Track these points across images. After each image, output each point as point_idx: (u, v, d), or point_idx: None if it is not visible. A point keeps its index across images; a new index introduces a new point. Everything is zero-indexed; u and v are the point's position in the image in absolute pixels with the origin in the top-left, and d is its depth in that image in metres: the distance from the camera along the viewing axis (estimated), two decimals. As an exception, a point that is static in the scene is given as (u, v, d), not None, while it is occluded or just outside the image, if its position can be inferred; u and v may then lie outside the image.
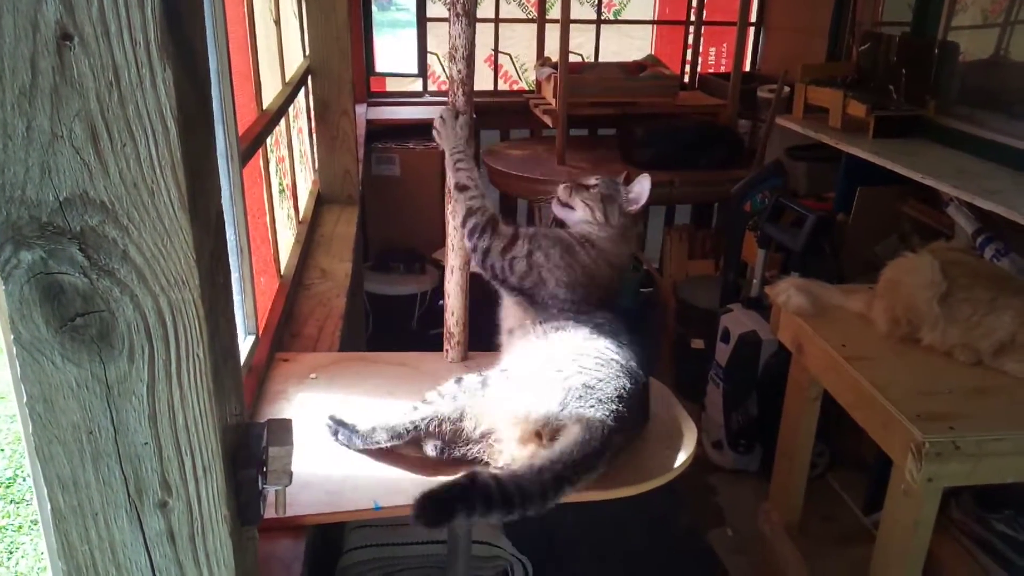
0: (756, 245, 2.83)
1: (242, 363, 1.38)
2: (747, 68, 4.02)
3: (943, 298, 1.84)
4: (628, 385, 1.23)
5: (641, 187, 1.49)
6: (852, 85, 2.96)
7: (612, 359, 1.26)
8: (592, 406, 1.16)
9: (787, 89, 3.31)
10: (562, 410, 1.15)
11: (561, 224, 1.51)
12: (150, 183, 0.63)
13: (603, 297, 1.42)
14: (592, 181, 1.51)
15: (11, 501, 2.93)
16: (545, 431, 1.16)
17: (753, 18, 4.04)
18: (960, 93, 2.75)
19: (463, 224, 1.41)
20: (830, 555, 2.32)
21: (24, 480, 3.02)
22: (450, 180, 1.44)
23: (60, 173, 0.63)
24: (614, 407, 1.18)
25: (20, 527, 2.81)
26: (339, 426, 1.26)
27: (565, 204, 1.49)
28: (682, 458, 1.27)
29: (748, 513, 2.55)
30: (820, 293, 2.11)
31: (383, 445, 1.22)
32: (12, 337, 0.67)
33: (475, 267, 1.45)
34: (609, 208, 1.46)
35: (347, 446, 1.24)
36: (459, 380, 1.25)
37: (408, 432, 1.21)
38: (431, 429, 1.21)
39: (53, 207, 0.63)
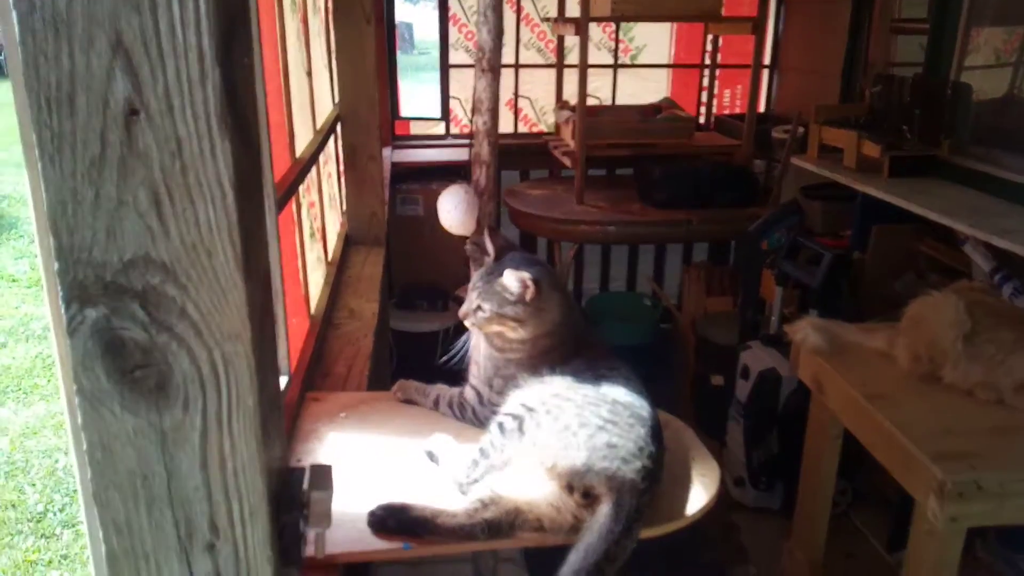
0: (774, 283, 2.85)
1: (275, 405, 1.43)
2: (761, 109, 4.07)
3: (967, 337, 1.86)
4: (643, 432, 1.27)
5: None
6: (866, 125, 3.00)
7: (616, 401, 1.30)
8: (618, 468, 1.20)
9: (801, 129, 3.36)
10: (588, 471, 1.19)
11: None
12: (208, 245, 0.68)
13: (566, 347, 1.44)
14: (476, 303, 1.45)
15: (42, 536, 2.97)
16: (577, 485, 1.20)
17: (767, 60, 4.10)
18: (974, 132, 2.78)
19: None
20: (854, 595, 2.31)
21: (55, 515, 3.07)
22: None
23: (124, 236, 0.68)
24: (639, 464, 1.22)
25: (51, 561, 2.84)
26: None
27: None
28: (703, 500, 1.29)
29: (771, 551, 2.54)
30: (838, 332, 2.13)
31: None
32: (75, 388, 0.71)
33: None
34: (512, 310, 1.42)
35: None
36: (501, 425, 1.30)
37: (486, 531, 1.21)
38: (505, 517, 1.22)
39: (117, 268, 0.68)
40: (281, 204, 1.55)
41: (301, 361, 1.68)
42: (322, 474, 0.80)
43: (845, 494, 2.69)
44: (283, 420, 0.85)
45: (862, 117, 3.08)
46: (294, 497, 0.80)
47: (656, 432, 1.31)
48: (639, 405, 1.32)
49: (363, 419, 1.51)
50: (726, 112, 4.37)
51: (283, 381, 1.49)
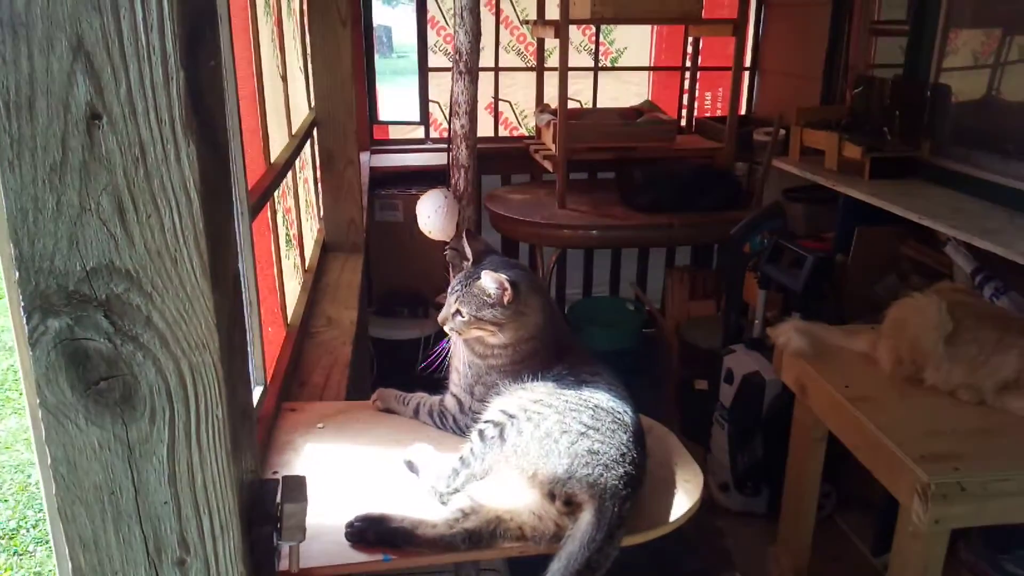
0: (757, 286, 2.85)
1: (252, 415, 1.40)
2: (743, 111, 4.08)
3: (949, 338, 1.86)
4: (625, 438, 1.25)
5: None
6: (847, 127, 3.01)
7: (598, 407, 1.29)
8: (600, 474, 1.19)
9: (783, 132, 3.37)
10: (569, 478, 1.18)
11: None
12: (174, 252, 0.66)
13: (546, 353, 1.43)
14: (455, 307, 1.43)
15: (14, 553, 2.91)
16: (559, 492, 1.19)
17: (748, 63, 4.12)
18: (954, 134, 2.80)
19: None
20: (840, 598, 2.31)
21: (28, 531, 3.01)
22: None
23: (87, 244, 0.65)
24: (621, 470, 1.20)
25: (23, 580, 2.79)
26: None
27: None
28: (687, 506, 1.28)
29: (757, 556, 2.54)
30: (821, 335, 2.13)
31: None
32: (38, 401, 0.69)
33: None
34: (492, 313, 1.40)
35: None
36: (481, 433, 1.28)
37: (467, 541, 1.19)
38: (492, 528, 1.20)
39: (80, 276, 0.66)
40: (255, 210, 1.52)
41: (277, 371, 1.66)
42: (295, 486, 0.78)
43: (830, 497, 2.69)
44: (255, 431, 0.83)
45: (843, 119, 3.09)
46: (267, 510, 0.78)
47: (639, 438, 1.30)
48: (621, 410, 1.31)
49: (341, 429, 1.48)
50: (707, 115, 4.38)
51: (258, 391, 1.47)
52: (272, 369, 1.64)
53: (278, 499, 0.80)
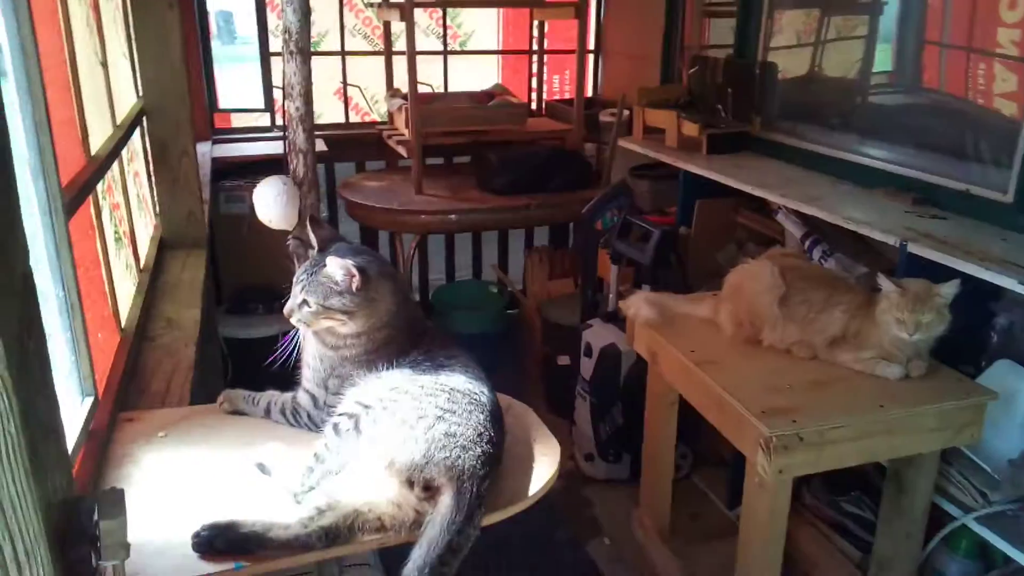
0: (609, 261, 2.93)
1: (80, 428, 1.30)
2: (589, 93, 4.17)
3: (782, 300, 1.98)
4: (482, 418, 1.26)
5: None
6: (685, 106, 3.13)
7: (454, 389, 1.29)
8: (458, 456, 1.19)
9: (627, 112, 3.47)
10: (427, 463, 1.17)
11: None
12: (-58, 254, 0.59)
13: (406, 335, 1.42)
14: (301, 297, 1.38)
15: None
16: (417, 479, 1.18)
17: (591, 45, 4.21)
18: (781, 109, 2.97)
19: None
20: (701, 552, 2.43)
21: None
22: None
23: None
24: (479, 450, 1.21)
25: None
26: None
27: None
28: (545, 479, 1.30)
29: (623, 520, 2.63)
30: (668, 303, 2.21)
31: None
32: None
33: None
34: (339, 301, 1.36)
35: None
36: (335, 427, 1.25)
37: (323, 539, 1.16)
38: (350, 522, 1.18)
39: None
40: (73, 207, 1.41)
41: (111, 379, 1.55)
42: (112, 500, 0.72)
43: (687, 458, 2.82)
44: (64, 445, 0.76)
45: (681, 98, 3.22)
46: (82, 530, 0.72)
47: (496, 416, 1.31)
48: (478, 391, 1.31)
49: (185, 436, 1.40)
50: (556, 97, 4.45)
51: (88, 403, 1.36)
52: (105, 378, 1.53)
53: (96, 517, 0.73)
